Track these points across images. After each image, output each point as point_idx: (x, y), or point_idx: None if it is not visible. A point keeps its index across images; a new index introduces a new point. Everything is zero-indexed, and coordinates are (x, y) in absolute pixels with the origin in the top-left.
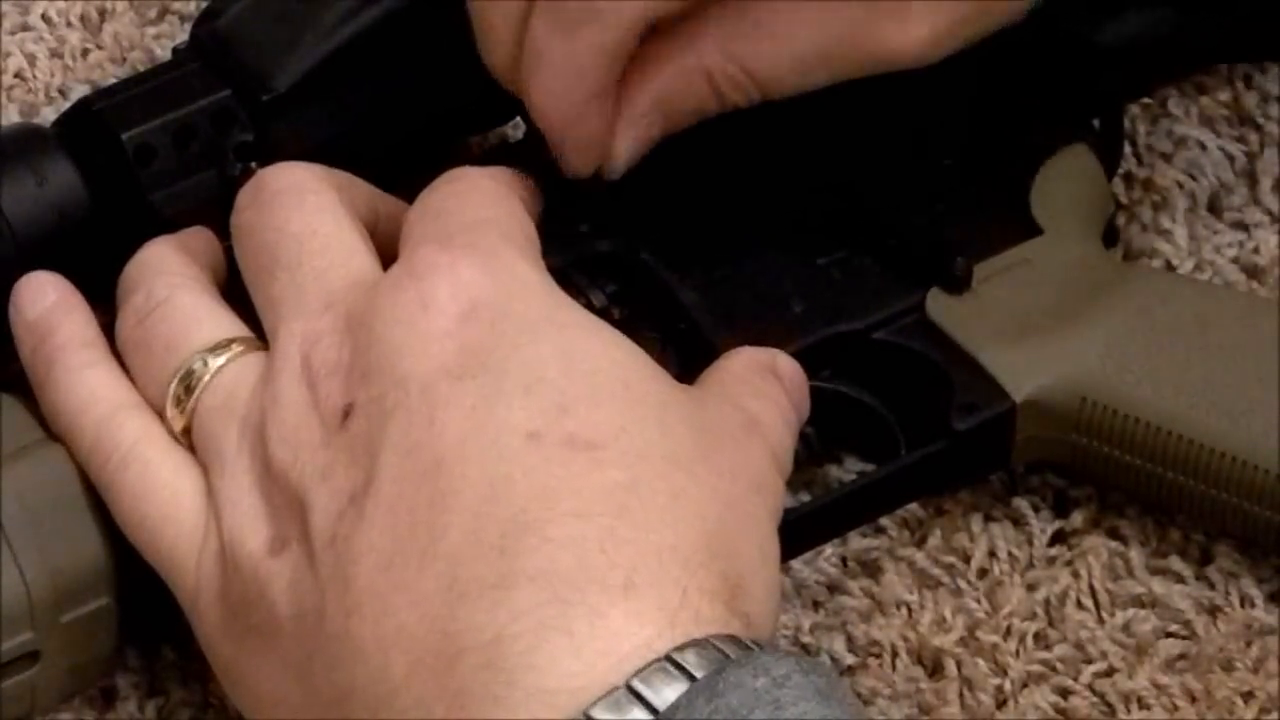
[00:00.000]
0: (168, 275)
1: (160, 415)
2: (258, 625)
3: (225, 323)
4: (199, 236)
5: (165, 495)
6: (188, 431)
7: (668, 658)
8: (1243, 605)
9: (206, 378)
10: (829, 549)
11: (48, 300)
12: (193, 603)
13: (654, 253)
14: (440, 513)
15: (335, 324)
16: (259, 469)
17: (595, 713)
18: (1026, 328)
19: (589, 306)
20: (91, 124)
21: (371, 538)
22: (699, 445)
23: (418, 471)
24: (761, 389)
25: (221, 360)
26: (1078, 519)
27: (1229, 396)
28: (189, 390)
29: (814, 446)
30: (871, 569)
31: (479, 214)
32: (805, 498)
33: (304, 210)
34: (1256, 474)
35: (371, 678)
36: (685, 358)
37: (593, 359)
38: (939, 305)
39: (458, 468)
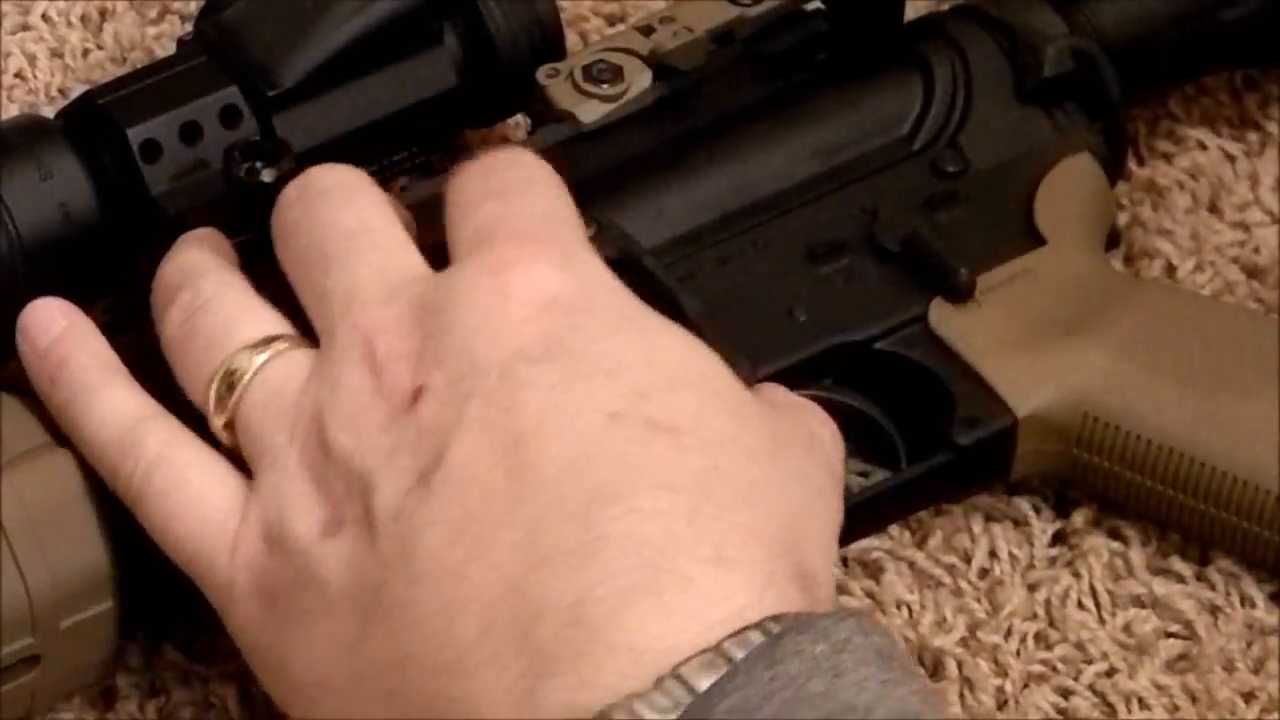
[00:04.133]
0: (212, 274)
1: (204, 412)
2: (306, 608)
3: (269, 320)
4: (218, 237)
5: (192, 493)
6: (230, 427)
7: (760, 626)
8: (1243, 606)
9: (248, 375)
10: None
11: (57, 328)
12: (226, 596)
13: (657, 259)
14: (518, 486)
15: (400, 314)
16: (313, 456)
17: (685, 671)
18: (1029, 340)
19: None
20: (96, 119)
21: (441, 510)
22: (772, 444)
23: (495, 449)
24: (819, 417)
25: (265, 356)
26: (1078, 519)
27: (1231, 415)
28: (231, 388)
29: None
30: (872, 569)
31: (547, 206)
32: None
33: (355, 207)
34: (1257, 494)
35: (434, 643)
36: None
37: (672, 353)
38: (942, 316)
39: (536, 443)
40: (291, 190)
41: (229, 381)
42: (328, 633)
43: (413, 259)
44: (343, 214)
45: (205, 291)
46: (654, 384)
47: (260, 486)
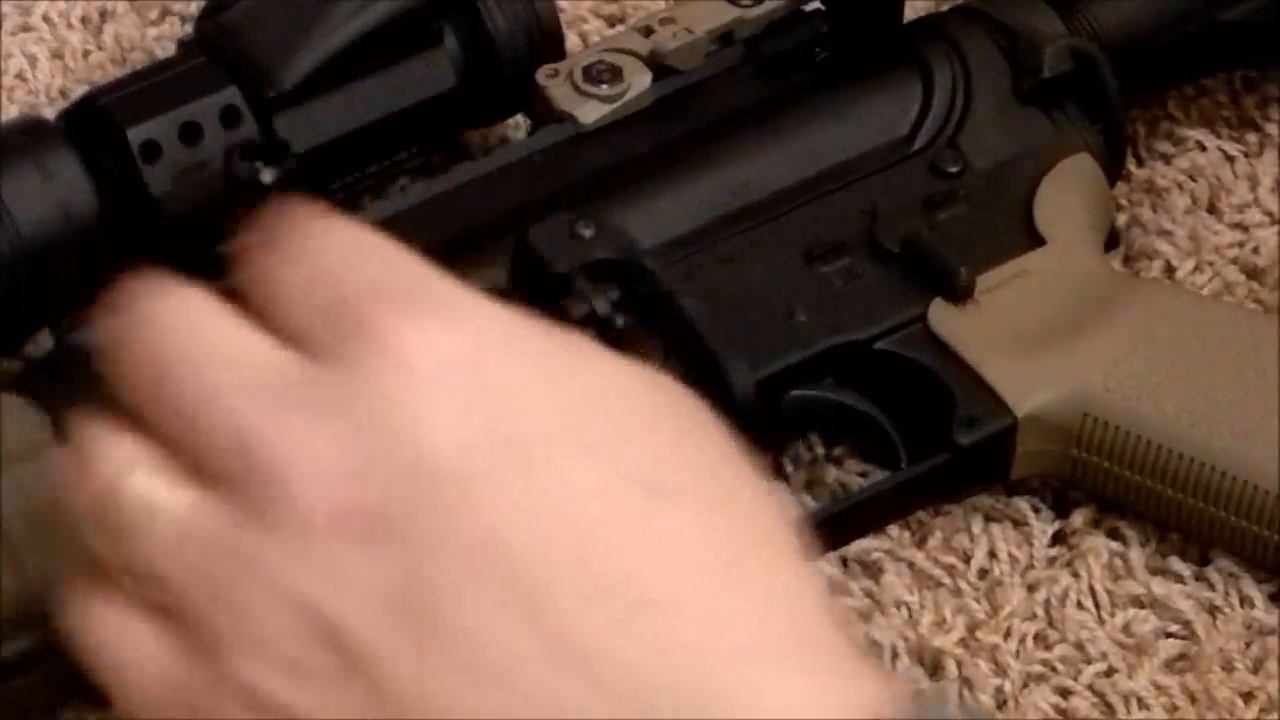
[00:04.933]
0: None
1: None
2: None
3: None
4: None
5: None
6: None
7: None
8: (1243, 606)
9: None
10: None
11: None
12: None
13: (657, 260)
14: (540, 601)
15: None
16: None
17: None
18: (1029, 341)
19: (592, 313)
20: (97, 120)
21: (451, 621)
22: (732, 459)
23: (475, 561)
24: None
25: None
26: (1078, 519)
27: (1230, 415)
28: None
29: (815, 451)
30: (872, 569)
31: (389, 261)
32: (808, 499)
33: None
34: (1256, 493)
35: None
36: (688, 366)
37: (630, 388)
38: (941, 316)
39: (532, 546)
40: (122, 312)
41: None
42: None
43: (257, 347)
44: (181, 321)
45: None
46: (629, 437)
47: None
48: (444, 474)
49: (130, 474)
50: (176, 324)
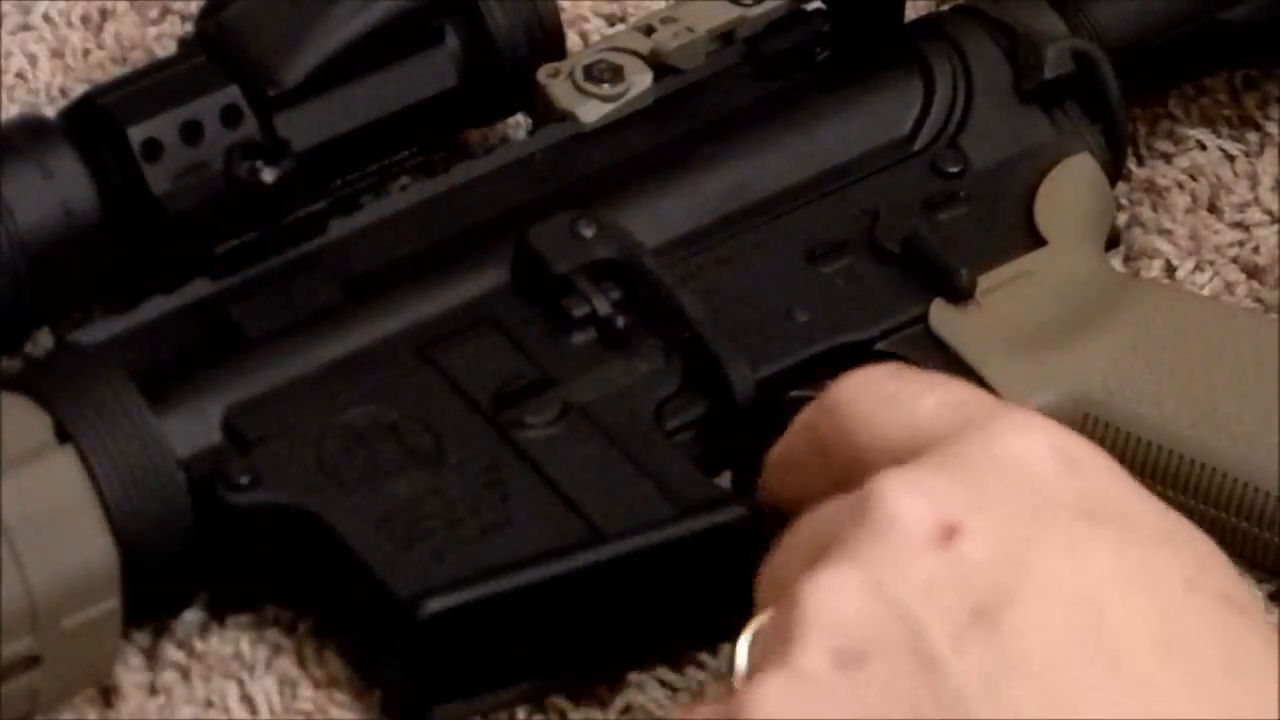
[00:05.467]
0: None
1: None
2: None
3: None
4: None
5: None
6: None
7: None
8: None
9: None
10: None
11: None
12: None
13: (657, 259)
14: (1092, 646)
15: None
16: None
17: None
18: (1030, 341)
19: (593, 313)
20: (97, 118)
21: (1015, 652)
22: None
23: (1066, 600)
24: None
25: None
26: None
27: (1230, 417)
28: None
29: None
30: None
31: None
32: None
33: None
34: (1257, 495)
35: None
36: (689, 366)
37: (1184, 520)
38: (942, 317)
39: (1115, 606)
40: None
41: None
42: None
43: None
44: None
45: None
46: (1207, 553)
47: None
48: (1052, 524)
49: None
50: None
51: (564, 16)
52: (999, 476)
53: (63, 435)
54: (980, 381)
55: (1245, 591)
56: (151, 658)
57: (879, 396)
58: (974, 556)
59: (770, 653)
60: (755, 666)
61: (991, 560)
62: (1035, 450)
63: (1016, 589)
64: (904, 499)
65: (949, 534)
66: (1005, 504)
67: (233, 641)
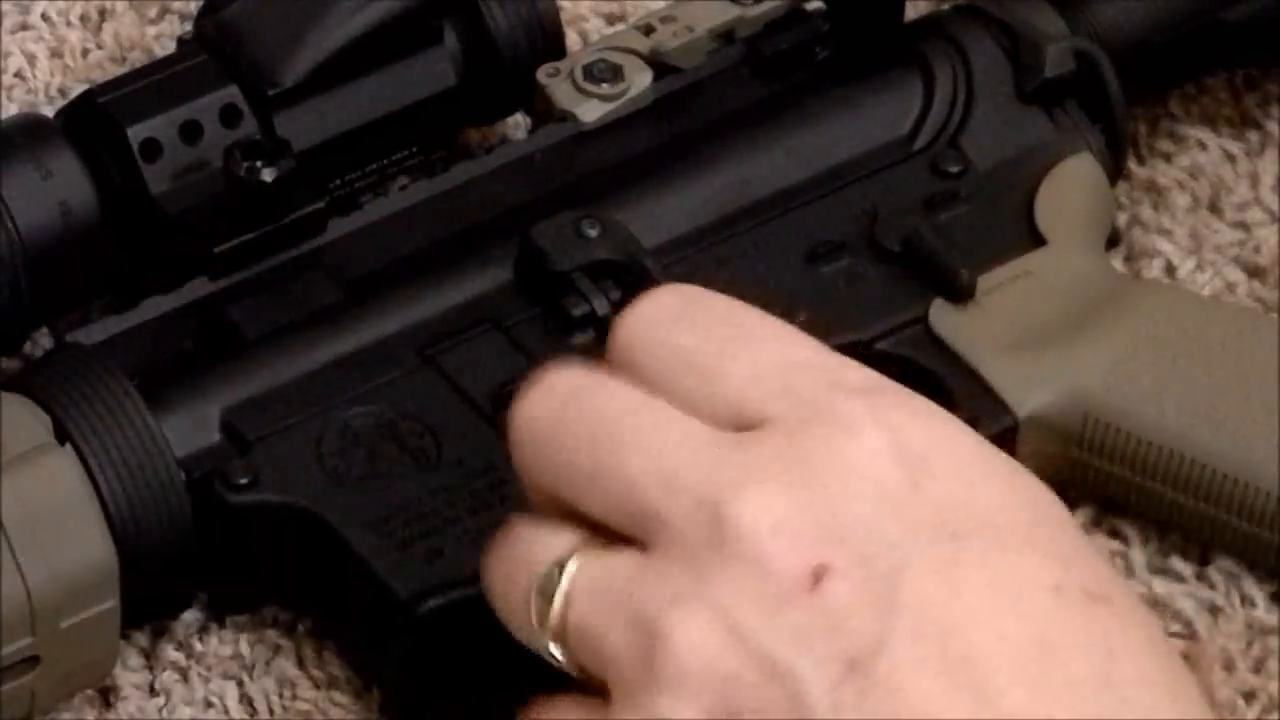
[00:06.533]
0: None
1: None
2: None
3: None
4: None
5: None
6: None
7: None
8: (1243, 605)
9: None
10: None
11: None
12: None
13: (657, 259)
14: (971, 682)
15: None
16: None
17: None
18: (1030, 341)
19: (592, 313)
20: (96, 118)
21: (892, 703)
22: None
23: (936, 634)
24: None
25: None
26: (1078, 519)
27: (1231, 417)
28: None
29: None
30: None
31: (803, 353)
32: None
33: (613, 396)
34: (1257, 494)
35: None
36: None
37: (1045, 498)
38: (942, 316)
39: (984, 629)
40: (536, 396)
41: (545, 593)
42: None
43: (695, 424)
44: (609, 402)
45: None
46: (1070, 545)
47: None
48: (914, 550)
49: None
50: (606, 404)
51: (564, 16)
52: (854, 495)
53: (62, 435)
54: (981, 381)
55: (1104, 571)
56: (151, 658)
57: (673, 348)
58: (843, 600)
59: (624, 683)
60: (589, 676)
61: (861, 603)
62: (879, 455)
63: (887, 633)
64: (768, 540)
65: (817, 577)
66: (866, 533)
67: (232, 642)
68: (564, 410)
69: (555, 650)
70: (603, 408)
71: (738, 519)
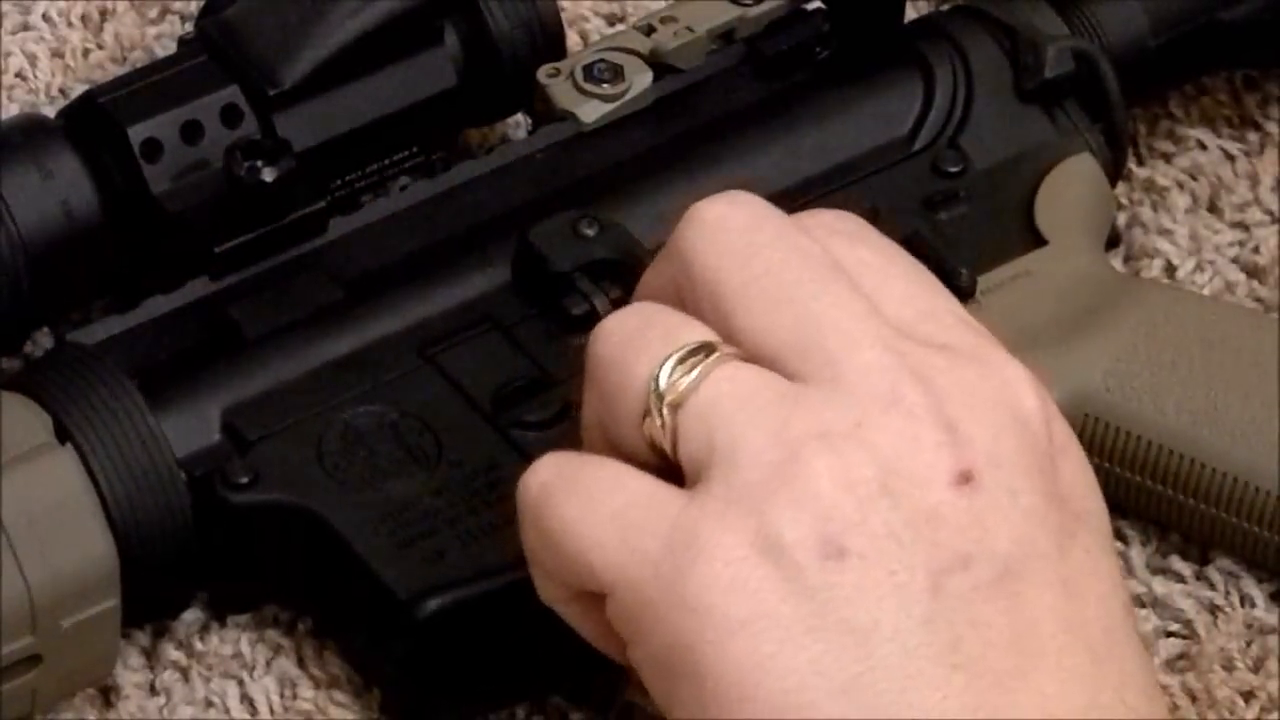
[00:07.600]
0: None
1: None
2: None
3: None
4: None
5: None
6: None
7: None
8: (1243, 605)
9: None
10: None
11: None
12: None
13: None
14: (1077, 607)
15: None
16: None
17: None
18: (1030, 341)
19: (592, 311)
20: (97, 118)
21: (997, 613)
22: None
23: (1056, 580)
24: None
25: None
26: None
27: (1231, 416)
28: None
29: None
30: None
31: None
32: None
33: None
34: (1257, 494)
35: None
36: None
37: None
38: None
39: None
40: (744, 201)
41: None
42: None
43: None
44: (811, 248)
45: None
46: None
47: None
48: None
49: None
50: (809, 249)
51: (564, 16)
52: (994, 413)
53: (62, 435)
54: None
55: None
56: (151, 658)
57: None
58: (978, 510)
59: (741, 484)
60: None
61: (997, 521)
62: (1035, 411)
63: (1019, 557)
64: (941, 429)
65: (965, 479)
66: (1013, 467)
67: (233, 641)
68: (763, 235)
69: (653, 424)
70: (807, 251)
71: (915, 397)
